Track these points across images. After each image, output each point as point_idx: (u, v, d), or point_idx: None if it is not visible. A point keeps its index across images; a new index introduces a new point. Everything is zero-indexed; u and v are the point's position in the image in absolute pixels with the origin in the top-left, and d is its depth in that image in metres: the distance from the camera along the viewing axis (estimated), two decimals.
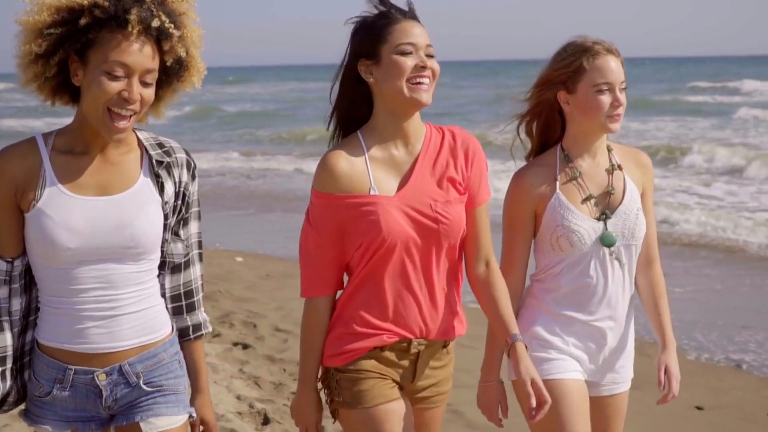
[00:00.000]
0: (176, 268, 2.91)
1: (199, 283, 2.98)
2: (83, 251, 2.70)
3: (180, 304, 2.94)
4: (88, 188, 2.73)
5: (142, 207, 2.76)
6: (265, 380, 6.48)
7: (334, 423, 3.04)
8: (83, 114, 2.73)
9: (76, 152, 2.75)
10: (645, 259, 3.46)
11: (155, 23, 2.66)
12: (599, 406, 3.42)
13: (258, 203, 16.07)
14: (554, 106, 3.37)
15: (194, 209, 2.94)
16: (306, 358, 3.10)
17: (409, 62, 2.93)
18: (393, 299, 3.01)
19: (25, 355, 2.82)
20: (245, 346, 7.32)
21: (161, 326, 2.85)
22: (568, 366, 3.30)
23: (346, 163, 2.96)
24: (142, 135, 2.85)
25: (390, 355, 3.04)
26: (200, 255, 2.98)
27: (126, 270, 2.75)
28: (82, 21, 2.64)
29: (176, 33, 2.71)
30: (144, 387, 2.80)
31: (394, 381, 3.06)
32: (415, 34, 2.96)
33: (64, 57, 2.67)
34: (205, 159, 22.19)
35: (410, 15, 3.00)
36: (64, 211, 2.69)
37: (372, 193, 2.96)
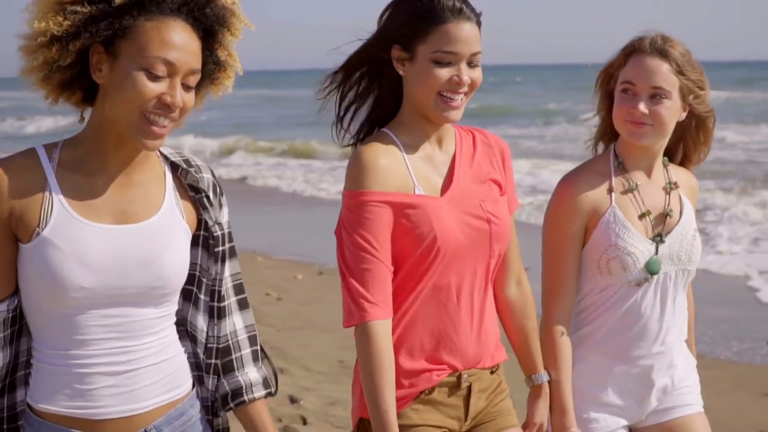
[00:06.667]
0: (210, 315, 2.38)
1: (243, 336, 2.42)
2: (99, 292, 2.18)
3: (214, 362, 2.40)
4: (105, 214, 2.21)
5: (171, 237, 2.26)
6: None
7: None
8: (103, 119, 2.21)
9: (89, 168, 2.23)
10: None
11: (207, 14, 2.21)
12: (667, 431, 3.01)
13: None
14: None
15: (228, 245, 2.39)
16: (378, 402, 2.50)
17: (444, 74, 2.52)
18: (443, 324, 2.60)
19: (5, 421, 2.27)
20: None
21: (185, 379, 2.34)
22: (609, 424, 2.95)
23: (385, 158, 2.54)
24: (163, 149, 2.33)
25: (439, 395, 2.62)
26: (242, 301, 2.43)
27: (145, 316, 2.24)
28: (118, 0, 2.14)
29: (226, 29, 2.26)
30: None
31: (448, 429, 2.65)
32: (460, 39, 2.51)
33: (88, 44, 2.15)
34: None
35: (464, 14, 2.53)
36: (78, 242, 2.17)
37: (417, 192, 2.56)
